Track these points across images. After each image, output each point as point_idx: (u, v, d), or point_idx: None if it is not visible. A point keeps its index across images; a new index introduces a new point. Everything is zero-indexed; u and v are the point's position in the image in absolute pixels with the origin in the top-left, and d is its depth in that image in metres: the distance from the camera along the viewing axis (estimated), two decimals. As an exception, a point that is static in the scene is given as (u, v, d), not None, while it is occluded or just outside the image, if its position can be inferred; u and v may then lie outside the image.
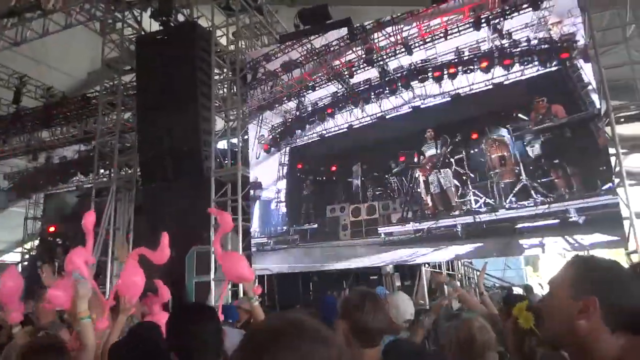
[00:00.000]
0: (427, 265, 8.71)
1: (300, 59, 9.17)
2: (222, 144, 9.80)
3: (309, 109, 9.09)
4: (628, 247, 6.05)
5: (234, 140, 9.59)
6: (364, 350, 1.72)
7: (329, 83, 8.93)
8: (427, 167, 7.59)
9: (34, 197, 15.89)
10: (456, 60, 7.56)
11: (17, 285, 2.94)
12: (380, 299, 1.89)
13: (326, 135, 8.97)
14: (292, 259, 8.44)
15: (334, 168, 8.89)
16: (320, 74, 9.03)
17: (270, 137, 9.45)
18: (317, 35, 8.97)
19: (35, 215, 15.98)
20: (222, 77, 10.39)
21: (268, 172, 9.28)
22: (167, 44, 9.41)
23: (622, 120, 7.02)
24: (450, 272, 10.26)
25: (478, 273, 11.79)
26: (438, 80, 7.70)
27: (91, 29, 11.79)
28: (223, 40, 10.23)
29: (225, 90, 10.54)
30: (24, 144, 14.54)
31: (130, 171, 11.12)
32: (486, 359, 2.08)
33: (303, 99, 9.18)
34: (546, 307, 1.30)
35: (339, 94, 8.82)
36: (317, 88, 9.02)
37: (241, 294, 7.78)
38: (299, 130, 9.24)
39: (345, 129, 8.75)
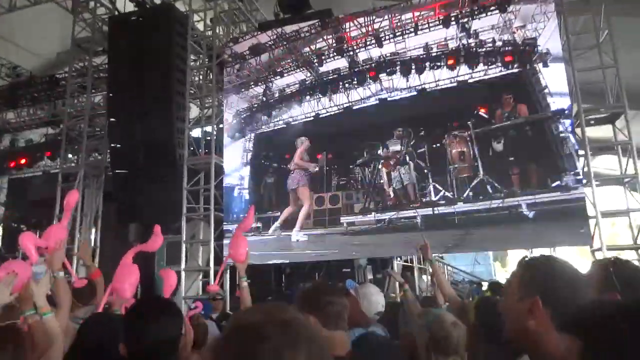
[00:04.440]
0: (399, 259, 8.78)
1: (269, 43, 9.02)
2: (196, 132, 9.60)
3: (276, 95, 8.98)
4: (593, 245, 6.27)
5: (208, 129, 9.40)
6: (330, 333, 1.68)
7: (298, 70, 8.83)
8: (391, 163, 7.73)
9: (-3, 181, 15.21)
10: (424, 55, 7.70)
11: None
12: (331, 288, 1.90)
13: (292, 123, 8.89)
14: (260, 247, 8.17)
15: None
16: (289, 60, 8.91)
17: (235, 122, 9.28)
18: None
19: (-1, 200, 15.30)
20: (198, 63, 10.16)
21: (231, 158, 9.14)
22: (142, 26, 9.11)
23: (592, 122, 7.22)
24: (421, 266, 10.38)
25: (449, 268, 12.06)
26: (406, 74, 7.82)
27: (62, 7, 11.31)
28: (200, 26, 9.99)
29: (200, 77, 10.31)
30: (-13, 125, 13.90)
31: (99, 157, 10.79)
32: (460, 354, 2.08)
33: (270, 84, 9.05)
34: (502, 309, 1.32)
35: (307, 82, 8.74)
36: (285, 74, 8.91)
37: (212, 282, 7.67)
38: (265, 117, 9.12)
39: (312, 118, 8.72)
